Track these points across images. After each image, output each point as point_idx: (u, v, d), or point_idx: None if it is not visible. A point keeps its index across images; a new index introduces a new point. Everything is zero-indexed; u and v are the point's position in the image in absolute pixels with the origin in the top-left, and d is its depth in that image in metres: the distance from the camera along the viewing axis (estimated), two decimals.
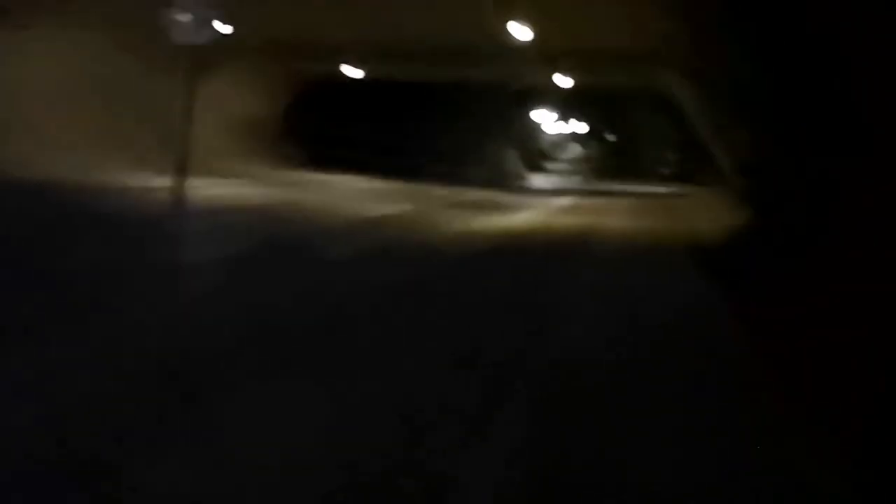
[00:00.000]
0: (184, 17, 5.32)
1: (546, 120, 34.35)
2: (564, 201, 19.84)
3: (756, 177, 10.12)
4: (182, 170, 7.17)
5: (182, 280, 6.24)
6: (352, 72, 22.07)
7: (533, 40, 15.01)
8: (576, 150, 42.91)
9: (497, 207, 15.65)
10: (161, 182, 12.14)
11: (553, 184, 29.75)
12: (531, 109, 31.82)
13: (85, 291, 5.41)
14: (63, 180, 13.02)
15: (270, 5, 5.84)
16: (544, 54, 16.49)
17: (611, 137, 40.36)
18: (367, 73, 22.30)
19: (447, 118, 24.83)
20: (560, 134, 39.55)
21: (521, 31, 14.76)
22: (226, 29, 5.49)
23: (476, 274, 7.50)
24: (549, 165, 39.20)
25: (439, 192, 18.44)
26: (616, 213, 16.41)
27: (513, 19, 14.30)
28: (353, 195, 16.22)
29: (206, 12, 5.28)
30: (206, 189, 7.25)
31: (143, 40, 17.48)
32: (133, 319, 4.73)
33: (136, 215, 9.94)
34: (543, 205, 18.16)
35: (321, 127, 24.15)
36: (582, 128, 39.13)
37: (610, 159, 39.13)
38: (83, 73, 17.38)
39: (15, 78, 15.66)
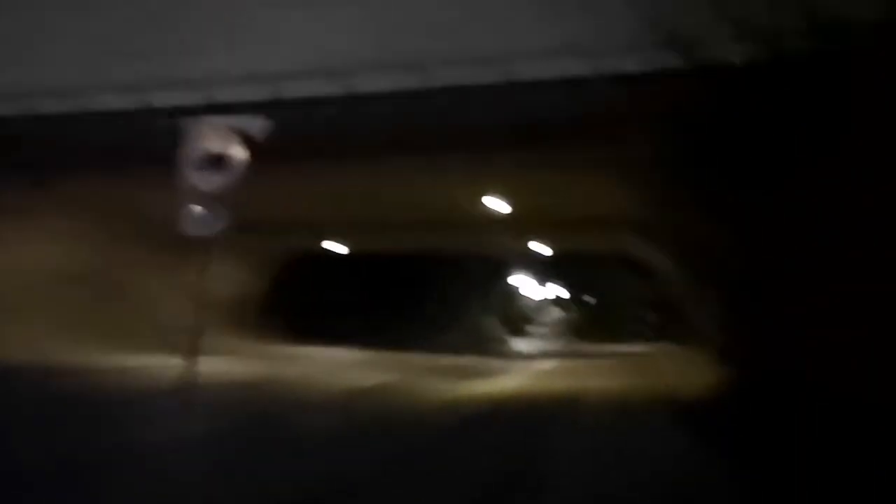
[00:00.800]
0: (193, 210, 5.71)
1: (525, 286, 35.07)
2: (547, 365, 20.00)
3: (730, 334, 10.45)
4: (173, 349, 7.40)
5: (172, 459, 6.28)
6: (335, 246, 22.74)
7: (508, 211, 15.73)
8: (556, 313, 43.52)
9: (481, 373, 15.79)
10: (154, 362, 12.30)
11: (536, 348, 29.99)
12: (510, 276, 32.56)
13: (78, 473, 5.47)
14: (57, 364, 13.18)
15: (255, 189, 6.33)
16: (520, 224, 17.18)
17: (589, 300, 41.07)
18: (350, 247, 22.97)
19: (428, 287, 25.38)
20: (540, 299, 40.25)
21: (496, 202, 15.49)
22: (226, 216, 5.89)
23: (464, 442, 7.55)
24: (531, 330, 39.61)
25: (423, 360, 18.57)
26: (599, 374, 16.58)
27: (488, 192, 15.06)
28: (338, 367, 16.33)
29: (215, 205, 5.68)
30: (196, 367, 7.40)
31: (133, 229, 18.30)
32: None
33: (128, 396, 10.03)
34: (527, 369, 18.32)
35: (306, 301, 24.55)
36: (561, 292, 39.91)
37: (589, 322, 39.66)
38: (78, 260, 17.98)
39: (13, 265, 16.15)
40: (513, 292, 35.28)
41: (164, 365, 9.34)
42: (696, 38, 7.60)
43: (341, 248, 23.07)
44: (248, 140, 5.76)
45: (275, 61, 12.85)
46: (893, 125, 5.24)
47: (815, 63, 6.15)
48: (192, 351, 6.26)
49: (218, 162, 5.71)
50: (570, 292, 40.12)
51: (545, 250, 22.22)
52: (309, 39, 12.70)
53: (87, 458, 6.06)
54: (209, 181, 5.77)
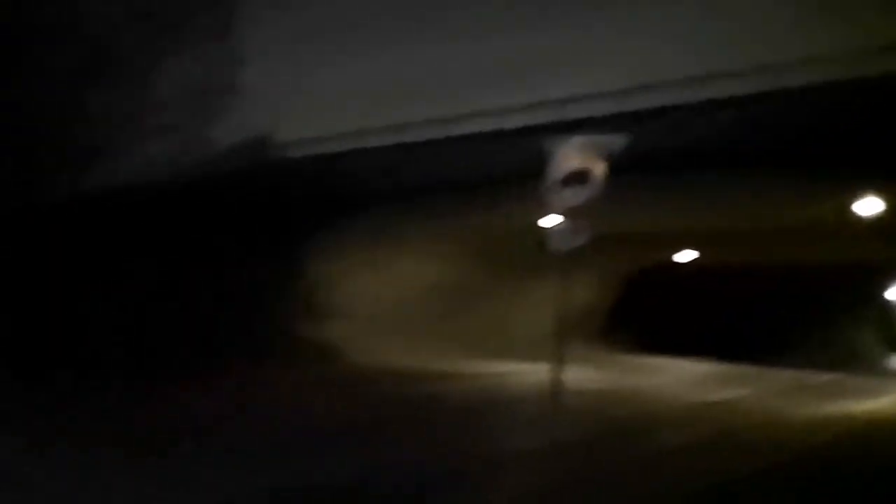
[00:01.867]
0: (556, 226, 5.94)
1: None
2: None
3: None
4: (537, 358, 7.73)
5: (534, 468, 6.49)
6: (687, 257, 22.20)
7: (881, 217, 14.21)
8: None
9: (845, 392, 14.44)
10: (518, 370, 12.96)
11: None
12: (884, 288, 29.30)
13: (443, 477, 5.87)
14: (430, 372, 14.48)
15: (614, 202, 6.38)
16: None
17: None
18: (706, 258, 22.30)
19: (787, 300, 23.74)
20: None
21: (866, 209, 14.07)
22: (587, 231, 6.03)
23: (825, 466, 6.99)
24: None
25: (780, 375, 17.46)
26: None
27: (858, 198, 13.76)
28: (689, 379, 15.93)
29: (576, 220, 5.86)
30: (560, 375, 7.66)
31: (496, 245, 19.48)
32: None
33: (496, 402, 10.67)
34: None
35: (657, 312, 24.23)
36: None
37: None
38: (446, 276, 19.63)
39: (389, 283, 18.06)
40: (889, 305, 31.70)
41: (528, 372, 9.81)
42: None
43: (697, 259, 22.45)
44: (607, 156, 5.85)
45: (624, 76, 12.91)
46: None
47: None
48: (555, 360, 6.49)
49: (580, 178, 5.87)
50: None
51: None
52: (659, 49, 12.58)
53: (458, 463, 6.52)
54: (572, 197, 5.95)
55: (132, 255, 15.13)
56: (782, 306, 23.68)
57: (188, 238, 12.31)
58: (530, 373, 10.33)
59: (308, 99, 17.99)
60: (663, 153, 12.07)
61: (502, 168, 14.74)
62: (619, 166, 6.18)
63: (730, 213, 15.36)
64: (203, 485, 5.59)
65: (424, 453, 6.78)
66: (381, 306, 18.35)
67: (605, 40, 13.31)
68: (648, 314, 24.02)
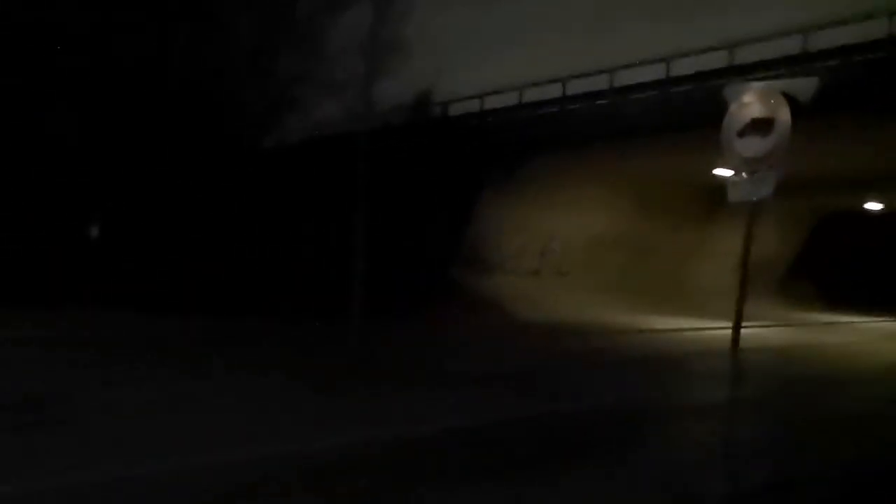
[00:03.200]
0: (741, 178, 5.70)
1: None
2: None
3: None
4: (717, 314, 7.54)
5: (723, 419, 6.41)
6: (876, 205, 20.79)
7: None
8: None
9: None
10: (697, 324, 12.72)
11: None
12: None
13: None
14: (602, 323, 14.47)
15: (800, 151, 6.02)
16: None
17: None
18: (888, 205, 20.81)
19: None
20: None
21: None
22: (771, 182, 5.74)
23: None
24: None
25: None
26: None
27: None
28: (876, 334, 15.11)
29: (759, 170, 5.59)
30: (740, 330, 7.42)
31: (673, 195, 18.97)
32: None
33: (675, 356, 10.55)
34: None
35: (844, 266, 22.92)
36: None
37: None
38: (621, 226, 19.38)
39: (559, 231, 18.12)
40: None
41: (709, 328, 9.65)
42: None
43: (880, 206, 20.97)
44: (792, 102, 5.51)
45: (800, 12, 12.09)
46: None
47: None
48: (737, 315, 6.30)
49: (762, 126, 5.57)
50: None
51: None
52: None
53: (636, 410, 6.54)
54: (754, 147, 5.66)
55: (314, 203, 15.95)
56: None
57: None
58: (711, 328, 10.13)
59: (468, 51, 18.10)
60: (848, 94, 11.26)
61: (680, 116, 14.27)
62: (805, 112, 5.81)
63: None
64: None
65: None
66: (558, 257, 18.41)
67: None
68: (834, 270, 22.75)
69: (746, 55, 13.70)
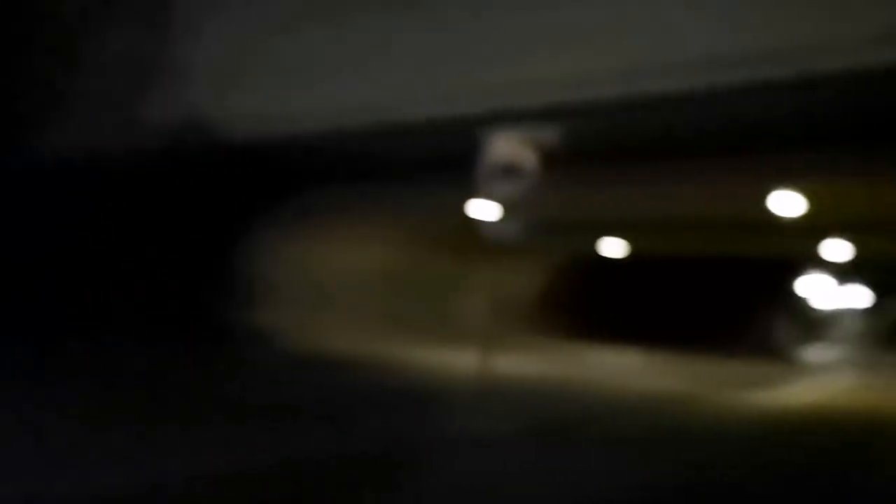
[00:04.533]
0: (490, 217, 6.07)
1: (825, 291, 32.51)
2: (847, 378, 18.54)
3: None
4: (470, 346, 7.89)
5: (472, 456, 6.61)
6: (624, 247, 22.61)
7: (808, 212, 14.74)
8: (860, 321, 39.88)
9: (772, 383, 15.03)
10: (451, 358, 13.16)
11: (834, 359, 27.82)
12: (809, 280, 30.38)
13: (380, 464, 5.98)
14: (364, 355, 14.56)
15: (548, 195, 6.53)
16: (820, 226, 16.04)
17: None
18: (638, 249, 22.74)
19: (718, 291, 24.42)
20: (842, 305, 37.12)
21: (792, 203, 14.58)
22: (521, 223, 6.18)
23: (757, 456, 7.27)
24: (831, 338, 36.67)
25: (710, 366, 18.03)
26: None
27: (783, 192, 14.23)
28: (623, 370, 16.35)
29: (510, 211, 5.99)
30: (491, 365, 7.81)
31: (438, 232, 19.62)
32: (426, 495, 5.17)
33: (429, 390, 10.82)
34: (824, 381, 17.12)
35: (596, 301, 24.66)
36: (867, 298, 36.52)
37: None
38: (383, 261, 19.75)
39: (324, 265, 18.11)
40: (812, 298, 32.88)
41: (463, 361, 10.00)
42: None
43: (629, 250, 22.90)
44: (541, 148, 5.99)
45: (564, 66, 13.07)
46: None
47: None
48: (487, 348, 6.63)
49: (512, 171, 6.00)
50: (879, 299, 36.58)
51: (849, 253, 20.51)
52: (593, 41, 12.76)
53: (387, 450, 6.61)
54: (504, 190, 6.08)
55: (68, 230, 14.87)
56: (710, 296, 24.36)
57: (128, 215, 12.13)
58: (465, 361, 10.52)
59: (248, 77, 17.80)
60: (597, 143, 12.35)
61: (442, 155, 14.84)
62: (553, 158, 6.33)
63: (658, 205, 15.72)
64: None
65: (356, 440, 6.86)
66: (319, 292, 18.40)
67: (547, 35, 13.49)
68: (580, 303, 24.47)
69: (516, 103, 14.52)
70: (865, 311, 38.95)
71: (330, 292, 18.59)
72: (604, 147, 12.46)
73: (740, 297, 24.80)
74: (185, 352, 12.85)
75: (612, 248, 22.94)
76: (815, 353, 29.08)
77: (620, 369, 16.55)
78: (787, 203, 14.40)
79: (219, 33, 16.56)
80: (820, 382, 16.83)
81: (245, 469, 5.71)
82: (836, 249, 20.01)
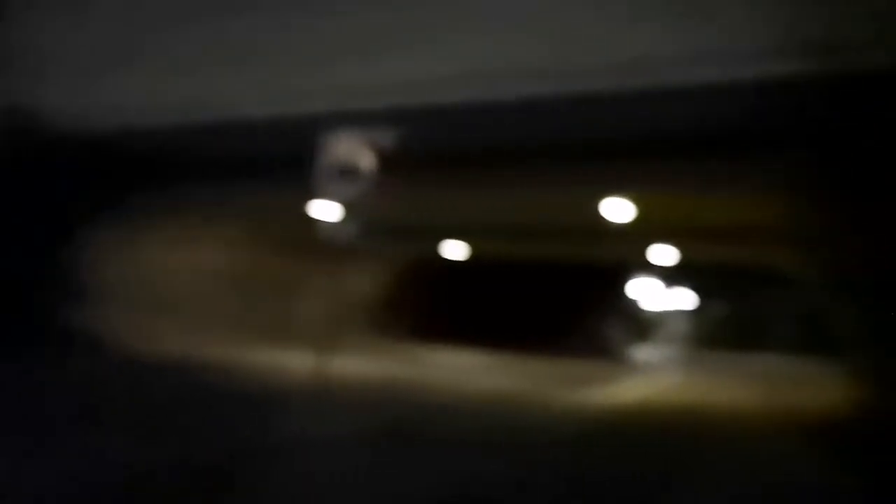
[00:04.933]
0: (328, 218, 5.99)
1: (652, 294, 34.32)
2: (673, 376, 19.60)
3: (872, 352, 9.96)
4: (314, 348, 7.78)
5: (312, 459, 6.52)
6: (462, 251, 22.97)
7: (641, 218, 15.47)
8: (686, 322, 42.36)
9: (605, 382, 15.64)
10: (290, 361, 12.90)
11: (661, 357, 29.37)
12: (640, 284, 31.97)
13: (218, 470, 5.80)
14: (200, 359, 14.03)
15: (388, 197, 6.55)
16: (651, 231, 16.88)
17: (720, 310, 39.77)
18: (477, 253, 23.16)
19: (554, 294, 25.23)
20: (669, 307, 39.28)
21: (626, 210, 15.26)
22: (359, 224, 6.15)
23: (584, 454, 7.52)
24: (659, 339, 38.74)
25: (546, 365, 18.55)
26: (727, 388, 16.12)
27: (617, 199, 14.87)
28: (463, 370, 16.57)
29: (348, 213, 5.94)
30: (335, 366, 7.71)
31: (281, 234, 19.20)
32: (267, 499, 5.03)
33: (268, 393, 10.56)
34: (652, 379, 18.02)
35: (436, 303, 24.87)
36: (692, 301, 38.81)
37: (720, 333, 38.37)
38: (223, 261, 19.12)
39: (161, 266, 17.35)
40: (640, 300, 34.61)
41: (302, 363, 9.82)
42: (837, 43, 7.30)
43: (467, 253, 23.30)
44: (379, 151, 5.98)
45: (405, 69, 13.11)
46: None
47: None
48: (331, 350, 6.55)
49: (351, 173, 5.96)
50: (702, 302, 39.00)
51: (675, 258, 21.72)
52: (441, 46, 12.87)
53: (226, 455, 6.40)
54: (342, 192, 6.03)
55: None
56: (546, 300, 25.17)
57: None
58: (303, 364, 10.34)
59: (81, 69, 16.82)
60: (438, 148, 12.48)
61: (282, 155, 14.55)
62: (392, 161, 6.34)
63: (496, 209, 16.07)
64: None
65: (195, 445, 6.60)
66: (155, 294, 17.58)
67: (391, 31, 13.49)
68: (420, 305, 24.70)
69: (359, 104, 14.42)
70: (690, 312, 41.51)
71: (166, 294, 17.83)
72: (445, 151, 12.62)
73: (574, 300, 25.77)
74: (10, 355, 12.02)
75: (452, 251, 23.31)
76: (643, 353, 30.64)
77: (459, 370, 16.77)
78: (618, 210, 15.09)
79: (48, 24, 15.62)
80: (648, 380, 17.68)
81: (77, 480, 5.38)
82: (663, 254, 21.18)
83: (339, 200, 6.04)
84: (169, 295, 17.83)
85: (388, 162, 6.07)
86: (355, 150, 5.96)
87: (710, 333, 39.14)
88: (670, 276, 30.95)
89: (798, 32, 7.57)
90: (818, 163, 8.62)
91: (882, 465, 6.49)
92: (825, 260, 12.01)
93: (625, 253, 21.58)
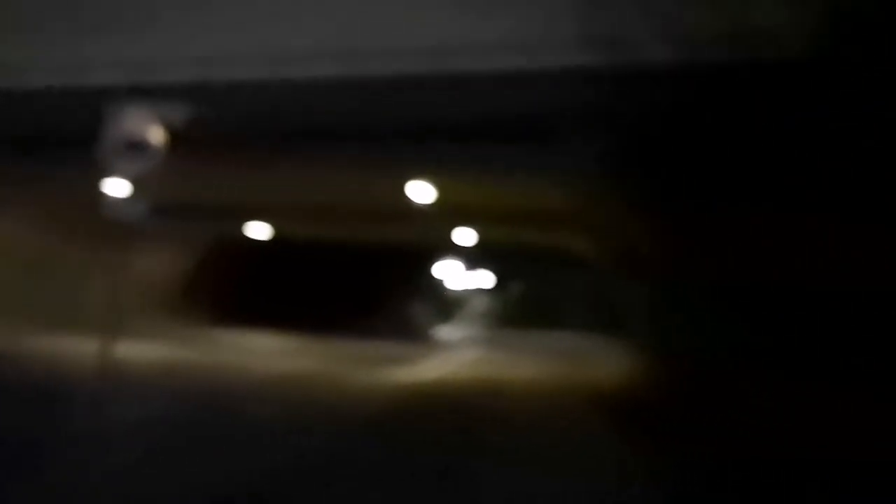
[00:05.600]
0: (115, 195, 5.57)
1: (456, 275, 35.19)
2: (472, 354, 20.13)
3: (656, 329, 10.67)
4: (103, 334, 7.29)
5: (104, 446, 6.15)
6: (261, 231, 22.36)
7: (441, 201, 15.68)
8: (483, 303, 43.85)
9: (406, 361, 15.83)
10: (83, 346, 12.02)
11: (461, 336, 30.17)
12: (440, 265, 32.64)
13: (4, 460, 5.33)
14: None
15: (179, 173, 6.20)
16: (451, 214, 17.18)
17: (517, 291, 41.47)
18: (277, 233, 22.62)
19: (356, 275, 25.21)
20: (467, 288, 40.46)
21: (428, 192, 15.43)
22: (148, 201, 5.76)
23: (389, 432, 7.55)
24: (457, 318, 39.83)
25: (349, 346, 18.52)
26: (523, 365, 16.75)
27: (419, 182, 15.00)
28: (266, 352, 16.22)
29: (137, 189, 5.54)
30: (125, 352, 7.28)
31: (67, 212, 17.77)
32: (55, 488, 4.67)
33: (57, 381, 9.82)
34: (452, 357, 18.43)
35: (233, 286, 24.13)
36: (489, 281, 40.15)
37: (517, 312, 40.03)
38: (5, 242, 17.48)
39: None
40: (442, 281, 35.43)
41: (91, 348, 9.19)
42: (628, 39, 7.69)
43: (268, 234, 22.72)
44: (170, 126, 5.62)
45: (204, 44, 12.54)
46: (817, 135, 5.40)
47: (739, 70, 6.30)
48: (121, 335, 6.13)
49: (139, 147, 5.57)
50: (500, 282, 40.47)
51: (475, 240, 22.29)
52: (240, 23, 12.44)
53: (12, 445, 5.90)
54: (130, 167, 5.62)
55: None
56: (348, 281, 25.10)
57: None
58: (94, 348, 9.69)
59: None
60: (236, 125, 12.01)
61: (68, 129, 13.50)
62: (185, 137, 5.99)
63: (299, 190, 15.77)
64: None
65: None
66: None
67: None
68: (221, 288, 23.83)
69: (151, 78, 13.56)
70: (489, 293, 42.97)
71: None
72: (243, 129, 12.18)
73: (378, 281, 25.92)
74: None
75: (253, 232, 22.61)
76: (446, 332, 31.38)
77: (260, 352, 16.42)
78: (420, 192, 15.25)
79: None
80: (450, 359, 18.07)
81: None
82: (465, 236, 21.69)
83: (128, 177, 5.62)
84: None
85: (180, 138, 5.72)
86: (144, 125, 5.57)
87: (508, 313, 40.77)
88: (471, 257, 31.85)
89: (592, 26, 7.90)
90: (609, 151, 9.07)
91: (664, 431, 6.96)
92: (614, 244, 12.77)
93: (427, 235, 21.89)
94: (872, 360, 4.88)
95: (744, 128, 6.06)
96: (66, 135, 13.64)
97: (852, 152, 5.15)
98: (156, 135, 5.56)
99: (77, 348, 13.51)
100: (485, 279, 39.46)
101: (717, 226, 6.64)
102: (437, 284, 35.56)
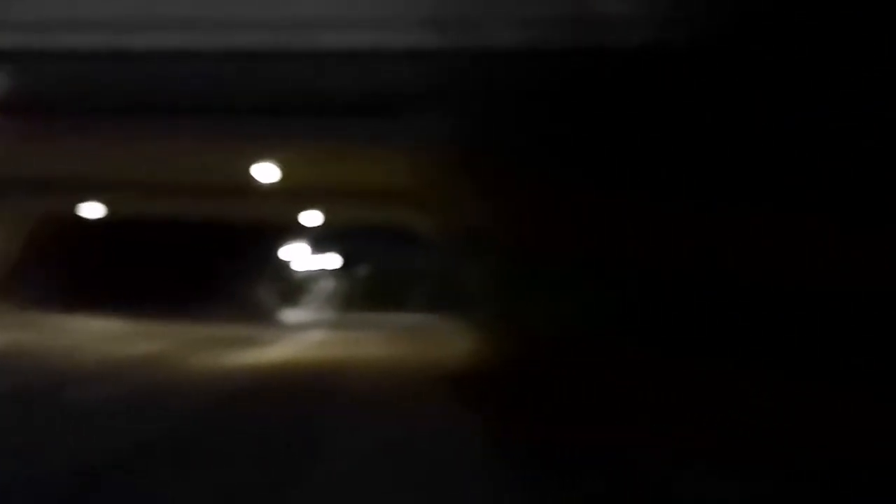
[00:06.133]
0: None
1: (298, 255, 34.75)
2: (318, 335, 20.00)
3: (502, 307, 10.94)
4: None
5: None
6: (101, 209, 21.18)
7: (286, 179, 15.42)
8: (329, 284, 43.54)
9: (251, 343, 15.54)
10: None
11: (306, 318, 29.88)
12: (284, 245, 32.12)
13: None
14: None
15: (8, 143, 5.71)
16: (296, 193, 16.96)
17: (365, 271, 41.42)
18: (115, 212, 21.50)
19: (198, 255, 24.39)
20: (312, 269, 40.04)
21: (273, 171, 15.13)
22: None
23: (232, 415, 7.42)
24: (302, 300, 39.39)
25: (191, 329, 17.98)
26: (369, 344, 16.80)
27: (264, 160, 14.68)
28: (102, 336, 15.54)
29: None
30: None
31: None
32: None
33: None
34: (298, 339, 18.24)
35: (69, 266, 22.80)
36: (334, 262, 39.90)
37: (363, 292, 40.01)
38: None
39: None
40: (287, 262, 34.89)
41: None
42: (477, 21, 7.82)
43: (105, 213, 21.54)
44: None
45: (38, 9, 11.68)
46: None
47: (582, 54, 6.54)
48: None
49: None
50: (345, 263, 40.31)
51: (320, 220, 22.09)
52: None
53: None
54: None
55: None
56: (190, 262, 24.23)
57: None
58: None
59: None
60: (68, 95, 11.27)
61: None
62: (10, 108, 5.54)
63: (138, 166, 15.05)
64: None
65: None
66: None
67: None
68: (56, 271, 22.47)
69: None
70: (335, 273, 42.68)
71: None
72: (78, 101, 11.45)
73: (222, 262, 25.17)
74: None
75: (87, 209, 21.35)
76: (292, 314, 30.91)
77: (94, 336, 15.64)
78: (267, 171, 14.94)
79: None
80: (296, 340, 17.89)
81: None
82: (310, 216, 21.45)
83: None
84: None
85: (7, 108, 5.29)
86: None
87: (356, 293, 40.61)
88: (318, 238, 31.52)
89: (444, 8, 7.97)
90: (455, 130, 9.21)
91: (505, 406, 7.19)
92: (457, 222, 13.01)
93: (273, 215, 21.53)
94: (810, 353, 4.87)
95: (589, 109, 6.31)
96: None
97: (700, 136, 5.44)
98: None
99: None
100: (331, 260, 39.17)
101: (563, 202, 6.88)
102: (284, 266, 34.95)
